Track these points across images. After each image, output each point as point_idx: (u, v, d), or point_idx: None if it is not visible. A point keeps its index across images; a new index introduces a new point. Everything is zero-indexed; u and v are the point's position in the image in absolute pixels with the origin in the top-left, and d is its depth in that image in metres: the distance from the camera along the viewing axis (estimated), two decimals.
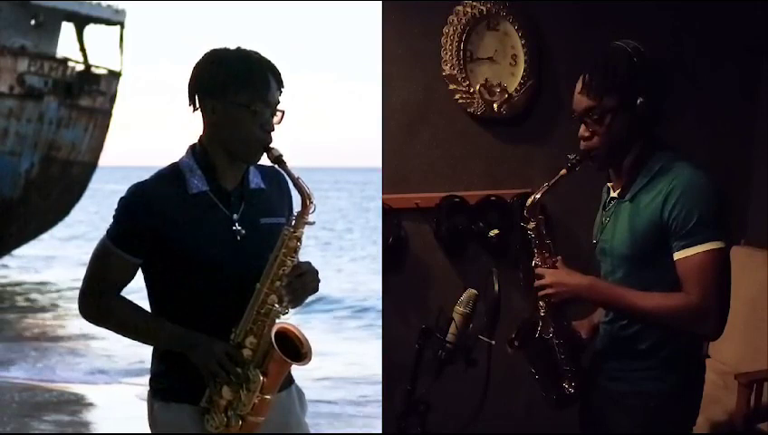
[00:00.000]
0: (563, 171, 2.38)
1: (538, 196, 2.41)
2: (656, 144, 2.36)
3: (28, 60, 15.09)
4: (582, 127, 2.36)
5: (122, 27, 16.33)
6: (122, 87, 16.43)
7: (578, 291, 2.37)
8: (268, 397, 2.08)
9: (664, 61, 2.34)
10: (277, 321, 2.08)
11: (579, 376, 2.50)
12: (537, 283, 2.42)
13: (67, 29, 16.23)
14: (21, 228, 15.89)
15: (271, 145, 2.10)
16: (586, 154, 2.36)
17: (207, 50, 2.13)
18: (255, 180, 2.19)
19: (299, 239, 2.09)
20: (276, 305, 2.07)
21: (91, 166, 16.63)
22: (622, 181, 2.40)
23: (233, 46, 2.13)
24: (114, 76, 16.37)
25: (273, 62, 2.12)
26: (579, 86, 2.34)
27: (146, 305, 2.16)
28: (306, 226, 2.10)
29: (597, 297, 2.39)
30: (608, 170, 2.45)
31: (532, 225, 2.43)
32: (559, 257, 2.43)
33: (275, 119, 2.11)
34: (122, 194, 2.12)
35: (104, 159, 16.93)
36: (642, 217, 2.30)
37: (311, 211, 2.09)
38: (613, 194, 2.45)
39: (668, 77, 2.33)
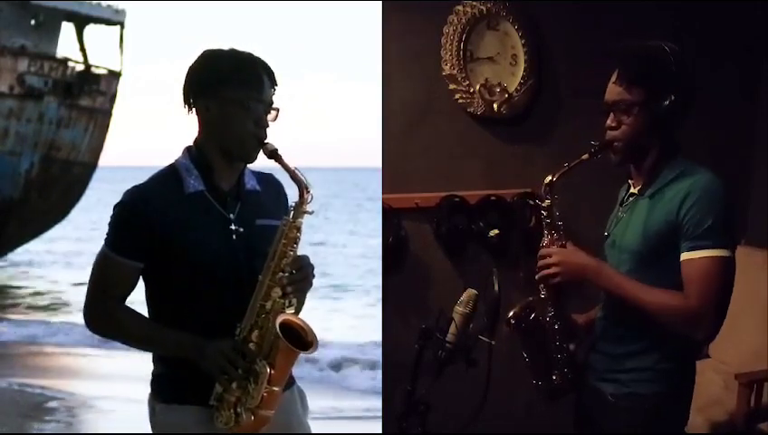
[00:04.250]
0: (585, 156, 2.40)
1: (555, 177, 2.43)
2: (678, 148, 2.39)
3: (28, 60, 15.11)
4: (610, 117, 2.38)
5: (122, 27, 16.35)
6: (122, 87, 16.46)
7: (585, 271, 2.38)
8: (276, 389, 2.08)
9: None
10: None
11: (570, 366, 2.51)
12: (542, 262, 2.42)
13: (67, 29, 16.26)
14: (21, 228, 15.90)
15: (266, 141, 2.11)
16: (609, 143, 2.39)
17: (202, 50, 2.16)
18: (251, 182, 2.20)
19: (298, 229, 2.09)
20: (280, 298, 2.07)
21: (91, 166, 16.64)
22: (643, 178, 2.42)
23: (231, 47, 2.15)
24: (114, 76, 16.38)
25: (266, 61, 2.14)
26: (614, 76, 2.36)
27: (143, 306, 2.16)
28: (305, 215, 2.10)
29: (601, 281, 2.38)
30: (626, 166, 2.46)
31: (546, 203, 2.45)
32: (569, 242, 2.45)
33: (270, 116, 2.13)
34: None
35: (104, 159, 16.95)
36: (658, 215, 2.32)
37: (308, 201, 2.10)
38: (633, 190, 2.46)
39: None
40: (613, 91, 2.36)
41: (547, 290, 2.47)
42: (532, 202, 3.83)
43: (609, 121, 2.38)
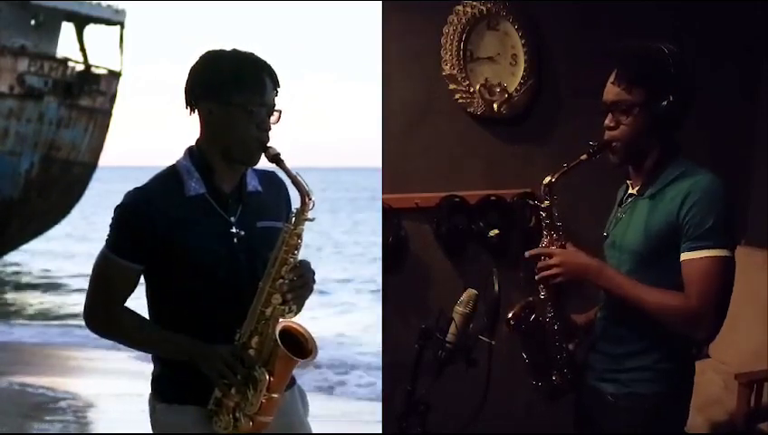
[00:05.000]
0: (584, 156, 2.40)
1: (554, 178, 2.43)
2: (678, 148, 2.39)
3: (28, 60, 15.11)
4: (609, 117, 2.38)
5: (122, 27, 16.36)
6: (122, 87, 16.46)
7: (586, 271, 2.38)
8: (275, 396, 2.08)
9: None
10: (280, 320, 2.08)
11: (569, 367, 2.51)
12: (543, 263, 2.41)
13: (67, 29, 16.26)
14: (21, 228, 15.90)
15: (268, 144, 2.10)
16: (608, 143, 2.39)
17: (204, 51, 2.14)
18: (253, 183, 2.19)
19: (299, 236, 2.09)
20: (280, 304, 2.07)
21: (91, 166, 16.64)
22: (642, 179, 2.42)
23: (231, 47, 2.13)
24: (114, 76, 16.39)
25: (268, 62, 2.12)
26: (612, 76, 2.36)
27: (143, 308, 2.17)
28: (306, 222, 2.10)
29: (601, 281, 2.38)
30: (625, 167, 2.46)
31: (545, 204, 2.45)
32: (568, 242, 2.45)
33: (272, 118, 2.11)
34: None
35: (104, 159, 16.95)
36: (659, 215, 2.32)
37: (310, 208, 2.10)
38: (632, 191, 2.47)
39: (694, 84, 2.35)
40: (611, 91, 2.36)
41: (547, 290, 2.47)
42: (532, 202, 3.83)
43: (607, 121, 2.38)
